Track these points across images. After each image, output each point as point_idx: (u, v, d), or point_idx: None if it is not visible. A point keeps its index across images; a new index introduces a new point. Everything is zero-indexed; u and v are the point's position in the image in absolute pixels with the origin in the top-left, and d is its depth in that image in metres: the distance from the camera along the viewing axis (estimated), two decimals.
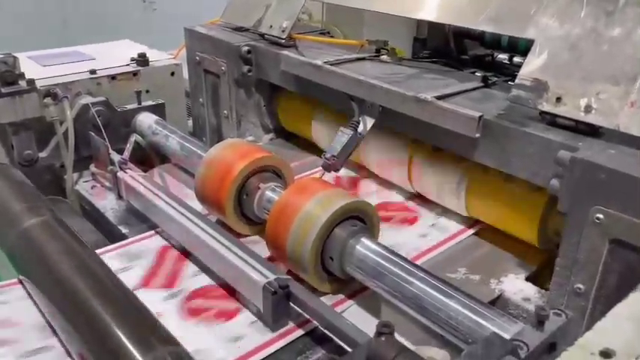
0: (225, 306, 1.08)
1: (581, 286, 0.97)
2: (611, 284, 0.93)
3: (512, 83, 1.12)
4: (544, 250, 1.20)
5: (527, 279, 1.16)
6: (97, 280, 0.97)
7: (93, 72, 1.74)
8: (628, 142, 0.96)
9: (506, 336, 0.81)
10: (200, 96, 1.88)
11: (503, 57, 1.64)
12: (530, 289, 1.12)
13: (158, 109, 1.73)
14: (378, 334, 0.76)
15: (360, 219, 1.12)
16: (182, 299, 1.10)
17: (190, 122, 2.00)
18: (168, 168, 1.64)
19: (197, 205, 1.33)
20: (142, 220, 1.37)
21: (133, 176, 1.39)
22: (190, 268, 1.20)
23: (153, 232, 1.32)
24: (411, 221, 1.36)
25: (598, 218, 0.92)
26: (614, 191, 0.89)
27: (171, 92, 1.86)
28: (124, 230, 1.37)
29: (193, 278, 1.16)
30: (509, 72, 1.50)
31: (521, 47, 1.58)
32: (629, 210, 0.88)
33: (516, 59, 1.60)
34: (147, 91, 1.80)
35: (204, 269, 1.17)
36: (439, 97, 1.18)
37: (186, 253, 1.23)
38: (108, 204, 1.50)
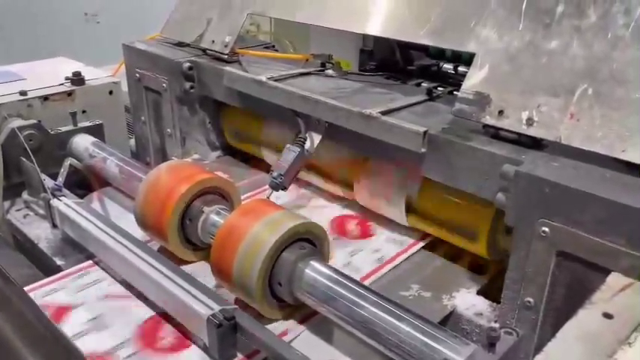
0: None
1: (530, 299, 0.96)
2: (560, 297, 0.93)
3: (457, 93, 1.12)
4: (494, 261, 1.20)
5: (479, 292, 1.16)
6: (22, 320, 0.88)
7: (23, 93, 1.64)
8: (570, 153, 0.96)
9: (458, 359, 0.79)
10: (142, 114, 1.81)
11: (448, 67, 1.66)
12: (482, 304, 1.11)
13: (96, 130, 1.65)
14: None
15: (310, 241, 1.09)
16: None
17: (132, 142, 1.92)
18: (108, 192, 1.55)
19: (138, 232, 1.26)
20: (78, 250, 1.29)
21: (67, 203, 1.30)
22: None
23: (90, 262, 1.24)
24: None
25: (544, 231, 0.91)
26: (558, 204, 0.89)
27: (109, 112, 1.77)
28: (59, 262, 1.28)
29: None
30: (455, 81, 1.51)
31: (465, 57, 1.59)
32: (573, 222, 0.88)
33: (461, 69, 1.61)
34: (83, 112, 1.71)
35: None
36: (384, 112, 1.17)
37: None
38: (42, 234, 1.40)
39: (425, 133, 1.08)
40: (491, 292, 1.16)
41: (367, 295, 0.95)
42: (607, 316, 0.69)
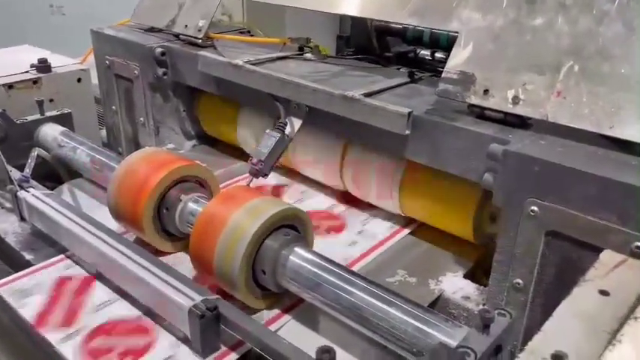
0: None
1: (520, 280, 0.95)
2: (550, 277, 0.92)
3: (438, 78, 1.10)
4: (480, 245, 1.19)
5: (465, 276, 1.14)
6: None
7: None
8: (556, 131, 0.95)
9: (453, 343, 0.77)
10: (112, 103, 1.74)
11: (425, 53, 1.64)
12: (470, 287, 1.10)
13: (64, 120, 1.58)
14: None
15: (293, 227, 1.05)
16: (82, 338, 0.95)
17: (104, 132, 1.85)
18: (79, 183, 1.49)
19: (112, 224, 1.20)
20: (49, 243, 1.23)
21: (35, 195, 1.24)
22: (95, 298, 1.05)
23: (62, 256, 1.18)
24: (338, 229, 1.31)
25: (533, 211, 0.90)
26: (548, 183, 0.88)
27: (78, 100, 1.71)
28: (28, 257, 1.21)
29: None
30: (432, 68, 1.49)
31: (443, 43, 1.58)
32: (562, 201, 0.87)
33: (438, 55, 1.60)
34: (51, 100, 1.63)
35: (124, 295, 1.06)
36: (367, 95, 1.14)
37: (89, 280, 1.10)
38: (9, 228, 1.33)
39: (409, 114, 1.05)
40: (477, 275, 1.15)
41: (355, 281, 0.92)
42: (603, 293, 0.67)
